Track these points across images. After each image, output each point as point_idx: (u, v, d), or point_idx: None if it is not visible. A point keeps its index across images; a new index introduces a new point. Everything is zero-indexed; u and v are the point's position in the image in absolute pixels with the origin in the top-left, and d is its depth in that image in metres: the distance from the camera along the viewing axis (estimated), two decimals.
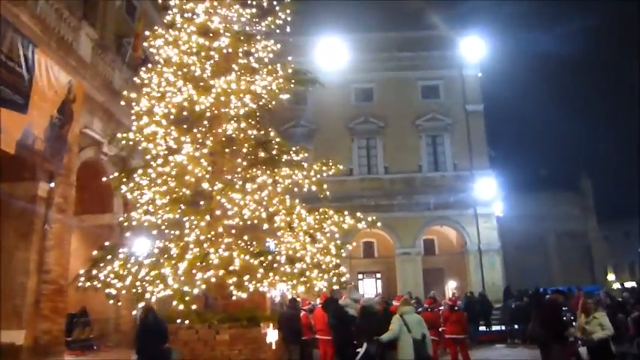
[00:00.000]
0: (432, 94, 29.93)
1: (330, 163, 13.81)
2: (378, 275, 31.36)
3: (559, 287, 22.63)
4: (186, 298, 10.21)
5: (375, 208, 27.98)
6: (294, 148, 13.29)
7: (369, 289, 30.34)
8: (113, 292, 10.91)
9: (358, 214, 13.11)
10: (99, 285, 10.86)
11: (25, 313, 12.25)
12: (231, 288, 10.62)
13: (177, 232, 11.33)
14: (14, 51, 11.51)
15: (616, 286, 36.57)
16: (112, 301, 11.49)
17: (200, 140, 11.52)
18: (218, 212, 11.47)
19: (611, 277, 41.15)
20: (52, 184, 13.28)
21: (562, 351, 8.14)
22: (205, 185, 11.00)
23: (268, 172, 11.77)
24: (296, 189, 13.27)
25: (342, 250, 13.45)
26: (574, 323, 9.96)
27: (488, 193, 27.90)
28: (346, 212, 12.46)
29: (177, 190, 11.25)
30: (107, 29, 18.38)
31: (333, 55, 29.00)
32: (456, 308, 11.94)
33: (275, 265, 10.58)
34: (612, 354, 8.03)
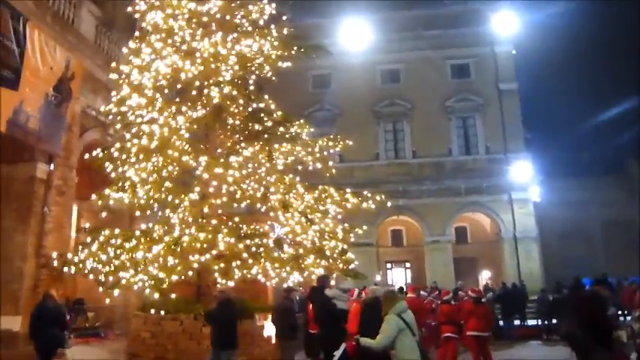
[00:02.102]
0: (462, 74, 27.43)
1: (339, 139, 11.95)
2: (408, 265, 29.33)
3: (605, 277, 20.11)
4: (163, 286, 8.75)
5: (403, 194, 26.10)
6: (296, 123, 11.62)
7: (398, 278, 28.41)
8: (102, 278, 9.61)
9: (382, 197, 11.41)
10: (75, 270, 9.59)
11: (23, 299, 11.53)
12: (216, 275, 9.11)
13: (161, 213, 9.91)
14: (2, 24, 10.56)
15: None
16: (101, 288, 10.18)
17: (186, 111, 10.02)
18: (209, 190, 9.96)
19: None
20: (52, 166, 12.33)
21: (608, 358, 6.09)
22: (186, 158, 9.47)
23: (261, 146, 10.16)
24: (300, 167, 11.66)
25: (352, 235, 11.73)
26: (623, 321, 7.87)
27: (524, 178, 25.34)
28: (348, 190, 10.66)
29: (161, 166, 9.81)
30: (114, 7, 17.25)
31: (357, 36, 27.01)
32: (483, 300, 9.97)
33: (262, 250, 8.95)
34: None
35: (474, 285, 22.87)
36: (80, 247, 9.75)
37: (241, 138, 10.35)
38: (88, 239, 9.64)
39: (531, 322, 17.55)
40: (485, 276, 27.86)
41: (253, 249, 8.88)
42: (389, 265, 29.25)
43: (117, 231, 9.80)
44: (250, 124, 10.54)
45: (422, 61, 27.16)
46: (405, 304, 5.52)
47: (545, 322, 16.52)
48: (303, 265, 9.62)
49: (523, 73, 27.84)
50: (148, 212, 10.23)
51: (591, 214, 32.88)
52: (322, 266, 10.15)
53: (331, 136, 11.93)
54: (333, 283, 9.77)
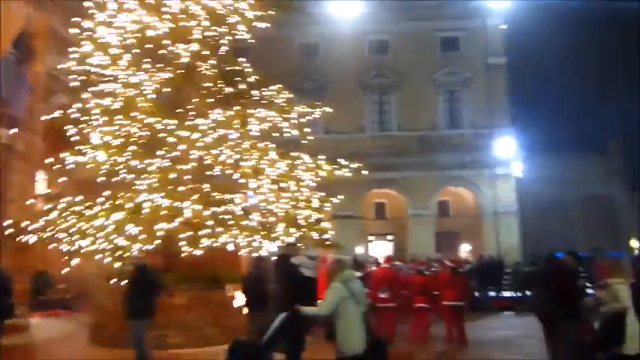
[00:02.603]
0: (451, 47, 26.65)
1: (318, 105, 11.37)
2: (390, 237, 29.14)
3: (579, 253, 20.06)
4: (125, 255, 8.27)
5: (387, 167, 25.64)
6: (274, 87, 11.02)
7: (381, 251, 28.23)
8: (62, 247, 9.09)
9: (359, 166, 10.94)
10: (37, 239, 9.05)
11: None
12: (183, 243, 8.65)
13: (127, 178, 9.34)
14: None
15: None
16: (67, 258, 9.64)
17: (152, 70, 9.35)
18: (177, 155, 9.39)
19: (635, 243, 37.81)
20: (14, 131, 11.56)
21: (574, 329, 5.80)
22: (151, 120, 8.87)
23: (236, 111, 9.57)
24: (277, 134, 11.12)
25: (328, 205, 11.30)
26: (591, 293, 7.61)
27: (508, 153, 25.06)
28: (321, 156, 10.17)
29: (125, 129, 9.20)
30: None
31: (347, 4, 26.06)
32: (460, 270, 9.68)
33: (228, 217, 8.49)
34: (623, 333, 5.62)
35: (454, 257, 22.86)
36: (40, 215, 9.15)
37: (212, 101, 9.73)
38: (47, 207, 9.05)
39: (507, 294, 17.49)
40: (465, 249, 27.81)
41: (221, 217, 8.41)
42: (371, 238, 29.01)
43: (78, 198, 9.20)
44: (223, 87, 9.91)
45: (411, 33, 26.32)
46: (353, 273, 5.21)
47: (519, 294, 16.46)
48: (274, 234, 9.19)
49: (512, 48, 27.11)
50: (117, 179, 9.62)
51: (571, 190, 32.86)
52: (295, 235, 9.73)
53: (310, 103, 11.28)
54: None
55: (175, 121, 9.06)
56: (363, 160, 24.27)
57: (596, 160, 34.30)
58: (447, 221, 28.31)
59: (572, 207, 34.28)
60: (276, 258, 7.86)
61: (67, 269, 8.42)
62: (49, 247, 9.18)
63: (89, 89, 9.37)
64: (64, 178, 9.41)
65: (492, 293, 17.03)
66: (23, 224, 9.02)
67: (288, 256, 6.59)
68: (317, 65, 26.22)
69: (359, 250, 25.09)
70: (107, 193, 9.25)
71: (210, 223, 8.40)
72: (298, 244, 9.49)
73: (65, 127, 9.58)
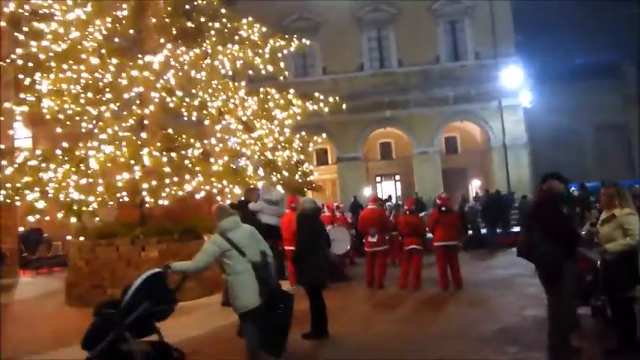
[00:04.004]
0: None
1: (293, 38, 10.09)
2: (397, 177, 28.16)
3: (590, 183, 18.84)
4: (83, 209, 7.47)
5: (389, 105, 24.33)
6: (245, 20, 9.77)
7: (388, 192, 27.36)
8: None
9: (337, 99, 9.78)
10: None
11: None
12: (144, 194, 7.80)
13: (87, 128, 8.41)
14: None
15: None
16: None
17: (100, 8, 8.17)
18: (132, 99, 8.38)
19: None
20: None
21: (568, 269, 4.78)
22: (96, 61, 7.80)
23: (201, 49, 8.42)
24: (251, 72, 9.97)
25: (311, 145, 10.28)
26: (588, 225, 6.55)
27: (515, 83, 23.23)
28: (291, 90, 9.04)
29: (75, 74, 8.16)
30: None
31: None
32: (444, 209, 8.68)
33: (187, 163, 7.55)
34: (636, 275, 4.61)
35: (464, 193, 21.89)
36: None
37: (171, 39, 8.56)
38: (3, 162, 8.23)
39: (514, 230, 16.52)
40: (475, 185, 26.76)
41: (179, 163, 7.49)
42: (378, 179, 28.11)
43: (38, 152, 8.36)
44: (184, 22, 8.72)
45: None
46: (232, 220, 4.48)
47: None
48: (246, 179, 8.26)
49: None
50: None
51: (584, 119, 30.95)
52: (273, 179, 8.80)
53: (282, 35, 9.99)
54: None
55: (129, 63, 7.98)
56: (365, 99, 23.43)
57: (610, 86, 32.00)
58: (455, 158, 27.14)
59: (586, 137, 32.50)
60: (231, 204, 6.99)
61: (22, 228, 7.68)
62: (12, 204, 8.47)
63: (34, 33, 8.25)
64: (12, 131, 8.52)
65: (499, 230, 16.07)
66: None
67: (246, 202, 5.69)
68: (309, 3, 24.35)
69: (367, 191, 24.26)
70: (65, 145, 8.37)
71: (167, 170, 7.49)
72: (261, 188, 8.54)
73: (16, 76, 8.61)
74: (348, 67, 24.59)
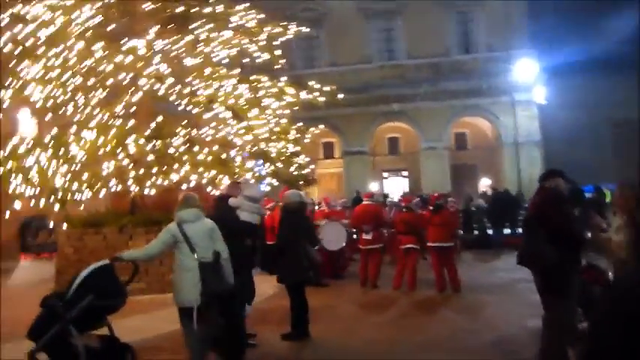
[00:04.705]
0: None
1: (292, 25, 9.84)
2: (405, 173, 27.78)
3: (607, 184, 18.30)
4: (68, 197, 7.33)
5: (397, 99, 23.93)
6: (239, 8, 9.54)
7: (395, 187, 27.02)
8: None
9: (332, 88, 9.51)
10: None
11: None
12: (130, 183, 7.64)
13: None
14: None
15: None
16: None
17: None
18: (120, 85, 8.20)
19: None
20: None
21: (572, 280, 4.32)
22: (80, 46, 7.62)
23: (183, 32, 8.21)
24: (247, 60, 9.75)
25: (308, 135, 10.04)
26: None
27: (528, 77, 22.77)
28: (283, 78, 8.79)
29: (63, 60, 8.00)
30: None
31: None
32: (431, 208, 8.36)
33: (173, 152, 7.37)
34: None
35: (473, 192, 21.45)
36: None
37: (159, 23, 8.36)
38: None
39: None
40: (484, 183, 26.29)
41: (172, 151, 7.31)
42: (385, 174, 27.75)
43: (25, 138, 8.25)
44: (173, 7, 8.51)
45: None
46: (193, 211, 4.37)
47: None
48: (236, 170, 8.06)
49: None
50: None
51: (601, 116, 30.25)
52: (267, 170, 8.59)
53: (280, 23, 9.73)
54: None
55: (115, 48, 7.80)
56: (372, 92, 23.10)
57: (630, 81, 31.30)
58: (464, 154, 26.66)
59: (603, 133, 31.82)
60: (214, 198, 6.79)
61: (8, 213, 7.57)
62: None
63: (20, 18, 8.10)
64: None
65: (507, 230, 15.61)
66: None
67: (227, 197, 5.49)
68: None
69: (373, 187, 23.96)
70: (54, 131, 8.24)
71: (150, 158, 7.31)
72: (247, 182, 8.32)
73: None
74: (355, 59, 24.25)
